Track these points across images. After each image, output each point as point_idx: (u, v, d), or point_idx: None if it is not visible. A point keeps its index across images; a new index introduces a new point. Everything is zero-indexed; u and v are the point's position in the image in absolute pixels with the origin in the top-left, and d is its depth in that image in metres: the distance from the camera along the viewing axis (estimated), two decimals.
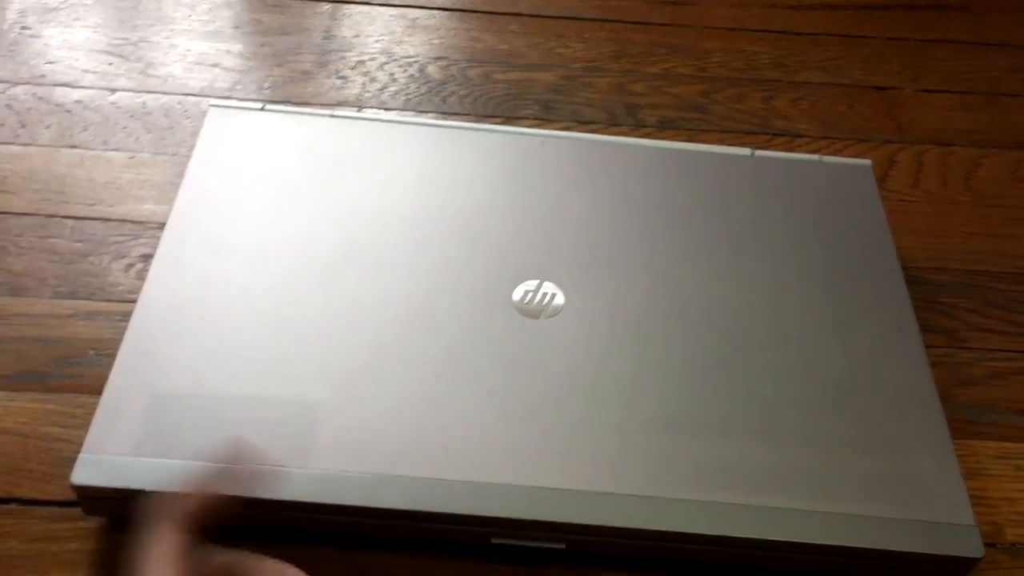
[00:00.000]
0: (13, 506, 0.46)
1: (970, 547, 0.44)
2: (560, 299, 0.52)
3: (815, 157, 0.62)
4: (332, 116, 0.61)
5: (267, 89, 0.69)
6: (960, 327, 0.59)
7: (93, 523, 0.45)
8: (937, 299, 0.60)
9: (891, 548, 0.44)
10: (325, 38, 0.74)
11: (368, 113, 0.68)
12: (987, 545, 0.48)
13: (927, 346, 0.56)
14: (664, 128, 0.71)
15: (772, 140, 0.71)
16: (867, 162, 0.62)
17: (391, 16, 0.77)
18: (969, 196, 0.68)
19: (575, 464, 0.45)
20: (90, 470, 0.43)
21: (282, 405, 0.46)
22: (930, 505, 0.45)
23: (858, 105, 0.74)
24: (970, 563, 0.44)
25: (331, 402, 0.46)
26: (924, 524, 0.44)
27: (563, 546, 0.44)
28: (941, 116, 0.74)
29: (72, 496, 0.43)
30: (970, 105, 0.76)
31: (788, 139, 0.71)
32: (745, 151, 0.62)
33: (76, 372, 0.51)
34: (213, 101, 0.60)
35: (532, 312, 0.51)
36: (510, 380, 0.48)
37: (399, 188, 0.57)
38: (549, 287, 0.52)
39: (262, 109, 0.60)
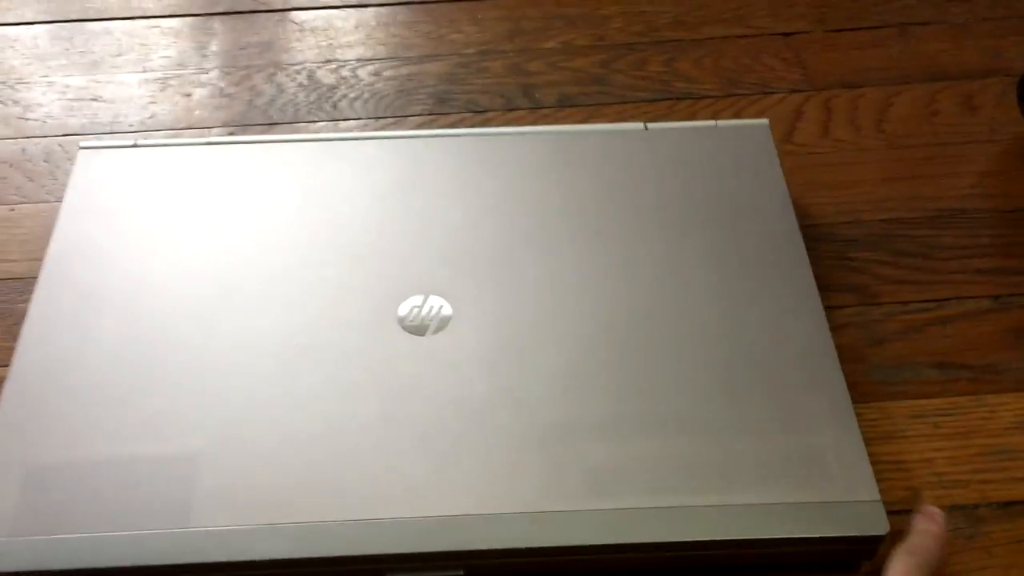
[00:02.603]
0: None
1: (875, 524, 0.43)
2: (447, 311, 0.50)
3: (711, 123, 0.60)
4: (208, 144, 0.59)
5: (149, 119, 0.67)
6: (871, 282, 0.57)
7: None
8: (848, 255, 0.59)
9: (796, 535, 0.43)
10: (204, 55, 0.72)
11: (247, 135, 0.66)
12: (904, 511, 0.47)
13: (837, 307, 0.55)
14: (563, 107, 0.68)
15: (675, 106, 0.68)
16: (764, 121, 0.60)
17: (276, 22, 0.75)
18: (881, 140, 0.66)
19: (466, 488, 0.44)
20: None
21: (161, 464, 0.44)
22: (833, 484, 0.44)
23: (763, 55, 0.72)
24: (877, 540, 0.43)
25: (210, 454, 0.45)
26: (828, 505, 0.43)
27: (461, 573, 0.43)
28: (850, 57, 0.72)
29: None
30: (881, 40, 0.73)
31: (691, 103, 0.69)
32: (638, 126, 0.60)
33: None
34: (82, 143, 0.58)
35: (418, 329, 0.49)
36: (395, 406, 0.47)
37: (277, 213, 0.55)
38: (435, 300, 0.51)
39: (134, 145, 0.58)
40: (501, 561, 0.43)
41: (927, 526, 0.44)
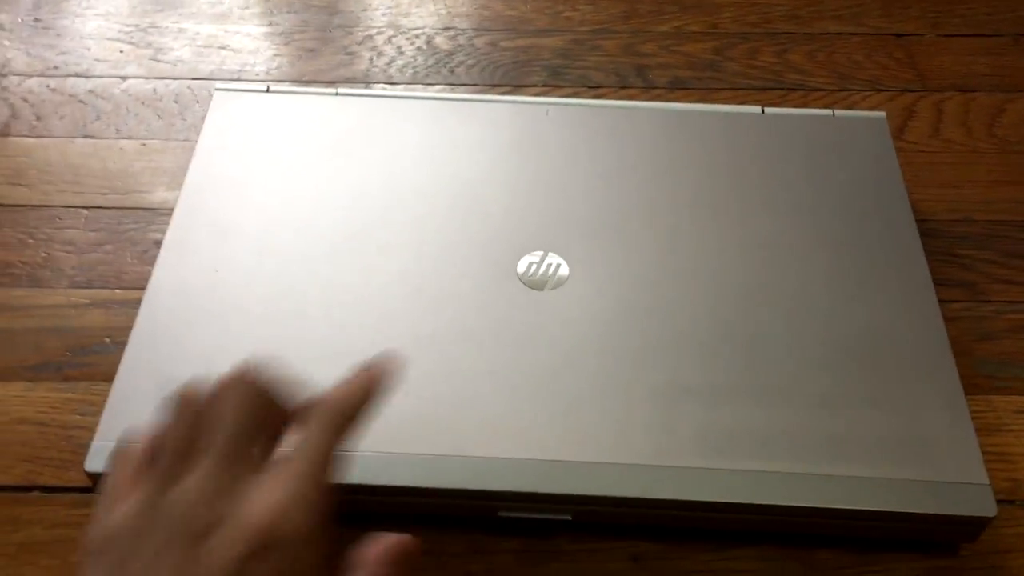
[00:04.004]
0: (35, 494, 0.47)
1: (983, 506, 0.43)
2: (565, 270, 0.51)
3: (828, 112, 0.61)
4: (337, 94, 0.61)
5: (275, 69, 0.70)
6: (980, 280, 0.57)
7: None
8: (957, 252, 0.59)
9: (901, 510, 0.43)
10: (331, 14, 0.74)
11: (373, 89, 0.68)
12: (1007, 502, 0.48)
13: (946, 301, 0.56)
14: (675, 89, 0.69)
15: (786, 96, 0.69)
16: (882, 114, 0.60)
17: None
18: (992, 144, 0.66)
19: (580, 436, 0.45)
20: (103, 457, 0.44)
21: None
22: (942, 465, 0.44)
23: (876, 54, 0.72)
24: (983, 522, 0.44)
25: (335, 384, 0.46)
26: (936, 484, 0.44)
27: (569, 517, 0.45)
28: (963, 62, 0.72)
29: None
30: (993, 49, 0.73)
31: (803, 94, 0.69)
32: (755, 109, 0.61)
33: (93, 360, 0.52)
34: (218, 85, 0.60)
35: (536, 284, 0.51)
36: (514, 354, 0.48)
37: (403, 164, 0.57)
38: (553, 258, 0.52)
39: (267, 91, 0.60)
40: (608, 509, 0.45)
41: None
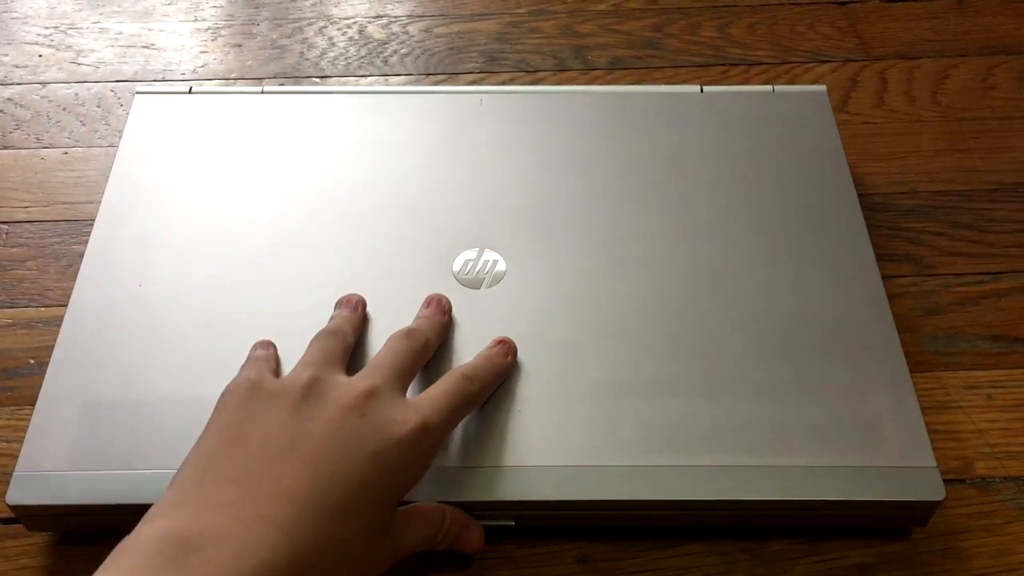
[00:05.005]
0: None
1: (931, 490, 0.42)
2: (502, 266, 0.50)
3: (767, 88, 0.59)
4: (263, 92, 0.59)
5: (201, 68, 0.67)
6: (927, 253, 0.57)
7: (42, 538, 0.45)
8: (903, 225, 0.58)
9: (849, 498, 0.42)
10: (258, 7, 0.72)
11: (300, 85, 0.66)
12: (956, 481, 0.47)
13: (892, 276, 0.55)
14: (614, 69, 0.68)
15: (728, 71, 0.68)
16: (822, 88, 0.59)
17: None
18: (937, 111, 0.65)
19: (520, 439, 0.44)
20: (25, 488, 0.42)
21: (211, 404, 0.45)
22: (889, 449, 0.44)
23: (819, 24, 0.71)
24: (932, 506, 0.43)
25: None
26: (883, 470, 0.43)
27: (512, 523, 0.44)
28: (906, 28, 0.71)
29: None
30: (937, 12, 0.72)
31: (744, 68, 0.68)
32: (695, 88, 0.59)
33: (16, 384, 0.50)
34: (139, 88, 0.58)
35: (473, 283, 0.49)
36: (452, 356, 0.47)
37: (332, 163, 0.55)
38: (490, 255, 0.50)
39: (189, 92, 0.58)
40: (551, 513, 0.43)
41: (497, 356, 0.45)
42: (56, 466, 0.43)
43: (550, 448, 0.44)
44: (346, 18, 0.71)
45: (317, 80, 0.67)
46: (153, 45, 0.69)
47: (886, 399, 0.45)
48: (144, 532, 0.34)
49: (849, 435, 0.44)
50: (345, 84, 0.66)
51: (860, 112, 0.65)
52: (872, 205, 0.59)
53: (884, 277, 0.50)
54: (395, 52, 0.69)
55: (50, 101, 0.65)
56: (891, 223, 0.58)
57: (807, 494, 0.43)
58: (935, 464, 0.43)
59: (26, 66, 0.67)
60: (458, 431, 0.44)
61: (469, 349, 0.47)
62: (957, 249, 0.57)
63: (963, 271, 0.56)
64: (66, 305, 0.49)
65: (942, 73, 0.67)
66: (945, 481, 0.43)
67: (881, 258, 0.51)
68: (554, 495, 0.43)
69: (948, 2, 0.73)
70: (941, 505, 0.43)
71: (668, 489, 0.43)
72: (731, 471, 0.43)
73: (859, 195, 0.54)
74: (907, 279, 0.55)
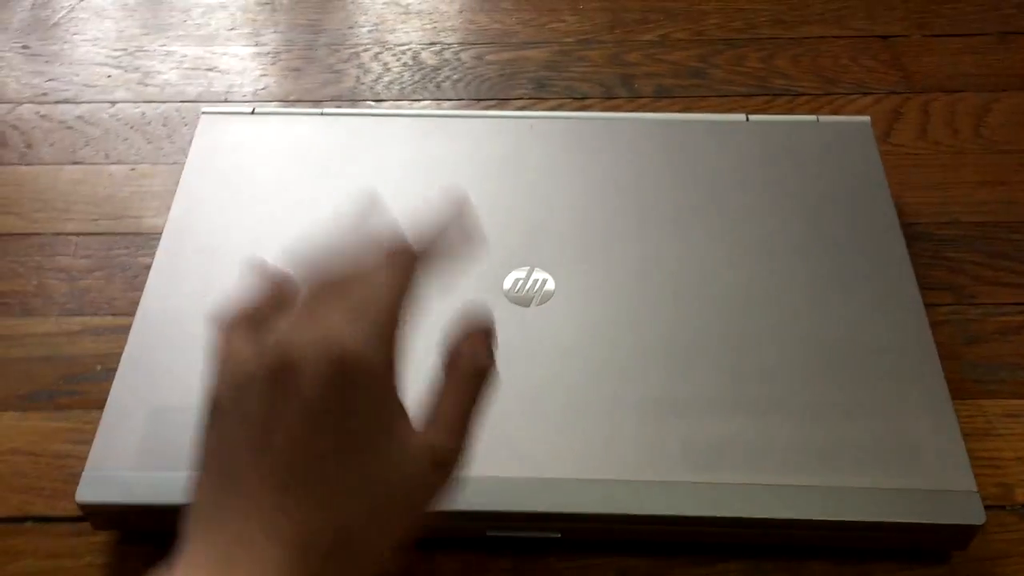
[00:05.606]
0: (28, 524, 0.47)
1: (971, 514, 0.43)
2: (551, 285, 0.52)
3: (812, 118, 0.61)
4: (322, 114, 0.61)
5: (262, 90, 0.70)
6: (968, 282, 0.57)
7: (106, 537, 0.47)
8: (944, 255, 0.59)
9: (890, 520, 0.43)
10: (316, 32, 0.74)
11: (358, 108, 0.68)
12: (996, 507, 0.48)
13: (934, 304, 0.56)
14: (660, 97, 0.70)
15: (772, 101, 0.69)
16: (866, 119, 0.60)
17: (383, 5, 0.77)
18: (979, 144, 0.66)
19: (566, 453, 0.45)
20: (93, 487, 0.44)
21: None
22: (930, 473, 0.44)
23: (861, 57, 0.72)
24: (972, 530, 0.44)
25: None
26: (924, 493, 0.44)
27: (558, 535, 0.45)
28: (949, 62, 0.72)
29: None
30: (979, 48, 0.73)
31: (789, 99, 0.69)
32: (739, 117, 0.61)
33: (84, 388, 0.52)
34: (204, 108, 0.61)
35: (523, 300, 0.51)
36: (501, 372, 0.48)
37: (388, 183, 0.57)
38: (539, 274, 0.52)
39: (252, 112, 0.61)
40: (597, 526, 0.45)
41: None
42: (123, 466, 0.45)
43: (595, 462, 0.45)
44: (401, 44, 0.74)
45: (372, 103, 0.69)
46: (216, 68, 0.71)
47: (928, 423, 0.46)
48: None
49: (891, 458, 0.45)
50: (400, 108, 0.69)
51: (903, 143, 0.66)
52: (914, 235, 0.59)
53: (926, 305, 0.51)
54: (447, 78, 0.71)
55: (118, 120, 0.68)
56: (933, 252, 0.59)
57: (848, 515, 0.43)
58: (976, 488, 0.44)
59: (95, 86, 0.70)
60: (505, 440, 0.45)
61: (520, 368, 0.48)
62: (998, 279, 0.58)
63: (1004, 300, 0.56)
64: (131, 314, 0.51)
65: (984, 107, 0.68)
66: (985, 507, 0.44)
67: (923, 286, 0.52)
68: (599, 508, 0.44)
69: (990, 38, 0.74)
70: (981, 530, 0.44)
71: (710, 506, 0.44)
72: (772, 490, 0.44)
73: (901, 224, 0.55)
74: (948, 307, 0.56)
